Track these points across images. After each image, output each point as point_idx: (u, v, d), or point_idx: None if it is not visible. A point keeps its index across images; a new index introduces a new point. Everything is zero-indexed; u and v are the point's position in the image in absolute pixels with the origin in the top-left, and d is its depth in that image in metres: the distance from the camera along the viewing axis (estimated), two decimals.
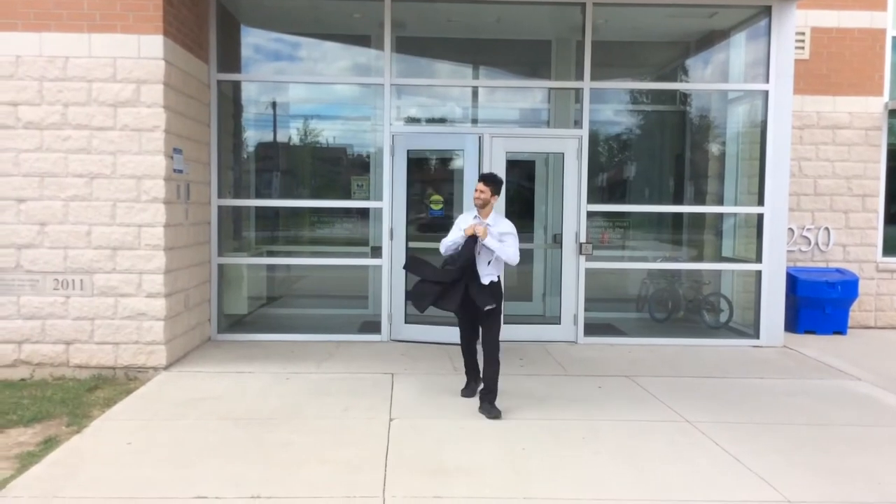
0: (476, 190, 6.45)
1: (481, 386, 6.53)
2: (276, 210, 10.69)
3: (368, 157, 10.70)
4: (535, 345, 9.02)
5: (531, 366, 8.06)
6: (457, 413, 6.35)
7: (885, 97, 10.73)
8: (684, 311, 10.69)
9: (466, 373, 6.96)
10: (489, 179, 6.45)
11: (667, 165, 11.70)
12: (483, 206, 6.43)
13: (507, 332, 8.13)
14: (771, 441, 5.82)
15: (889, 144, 10.86)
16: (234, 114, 10.02)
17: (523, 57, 10.93)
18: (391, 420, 6.13)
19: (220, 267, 9.18)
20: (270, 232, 10.99)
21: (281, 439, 5.61)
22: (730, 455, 5.50)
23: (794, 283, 10.13)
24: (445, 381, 7.37)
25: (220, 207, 9.10)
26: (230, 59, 9.49)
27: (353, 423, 6.05)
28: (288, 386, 7.14)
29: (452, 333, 9.11)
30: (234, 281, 9.67)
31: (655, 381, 7.49)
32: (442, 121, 10.93)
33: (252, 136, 10.83)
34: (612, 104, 11.07)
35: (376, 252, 9.43)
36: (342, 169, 11.24)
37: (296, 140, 11.16)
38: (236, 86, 9.95)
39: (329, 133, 11.30)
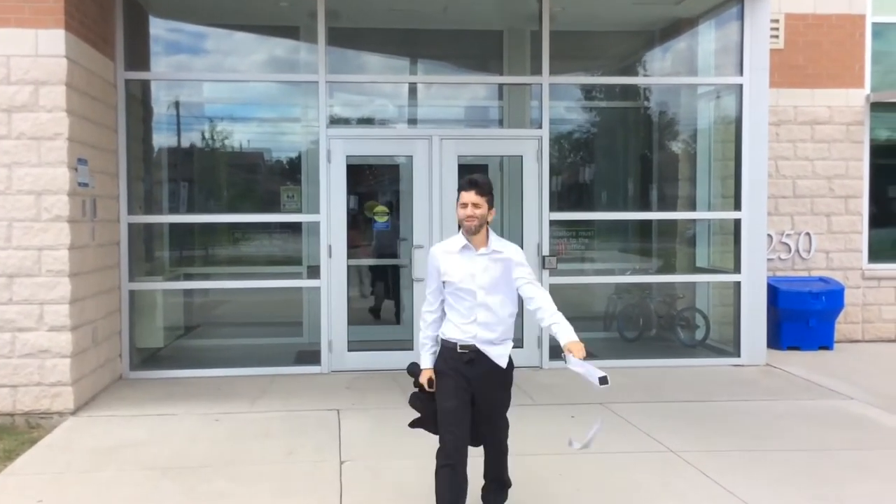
0: (462, 205, 4.54)
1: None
2: (194, 227, 10.55)
3: (300, 164, 10.65)
4: None
5: None
6: (415, 451, 6.34)
7: (867, 89, 11.15)
8: (657, 328, 10.90)
9: None
10: (482, 186, 4.55)
11: (634, 168, 11.94)
12: (478, 231, 4.56)
13: None
14: (765, 469, 5.97)
15: (872, 140, 11.27)
16: (144, 117, 9.88)
17: (473, 50, 11.07)
18: (342, 463, 6.10)
19: (132, 294, 9.02)
20: (189, 252, 10.84)
21: (218, 490, 5.53)
22: (721, 487, 5.62)
23: (774, 294, 10.40)
24: (399, 416, 7.24)
25: (130, 225, 8.95)
26: (139, 55, 9.37)
27: (299, 467, 6.00)
28: (219, 428, 7.04)
29: (401, 358, 9.06)
30: (147, 309, 9.51)
31: (633, 408, 7.61)
32: (385, 122, 10.97)
33: (166, 143, 10.70)
34: (574, 101, 11.27)
35: (313, 272, 9.39)
36: (270, 178, 11.19)
37: (216, 146, 11.06)
38: (147, 85, 9.81)
39: (254, 138, 11.24)
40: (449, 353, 4.63)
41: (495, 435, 4.83)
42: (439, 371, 4.66)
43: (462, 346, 4.57)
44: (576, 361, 4.29)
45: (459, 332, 4.58)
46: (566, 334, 4.40)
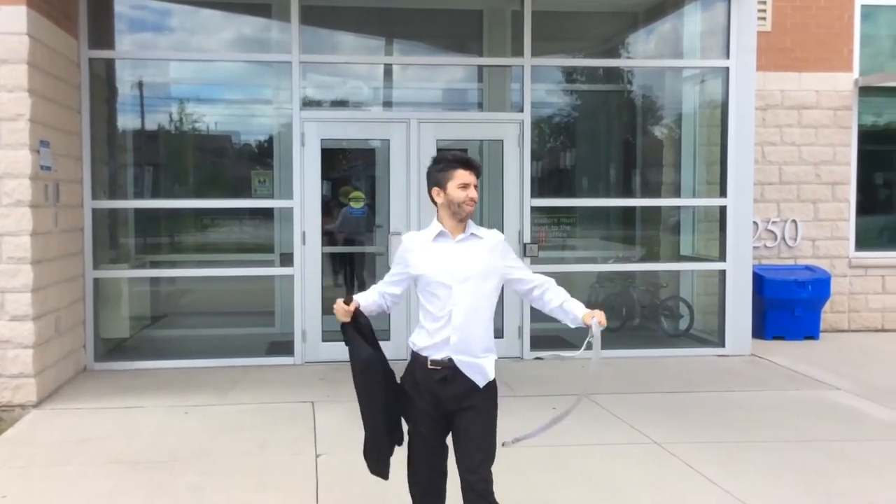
0: (461, 186, 4.02)
1: None
2: (161, 213, 10.50)
3: (272, 147, 10.62)
4: None
5: None
6: None
7: (855, 73, 11.25)
8: (640, 318, 10.98)
9: None
10: (478, 168, 4.13)
11: (617, 153, 12.01)
12: (471, 214, 4.13)
13: None
14: (750, 461, 6.07)
15: (860, 126, 11.39)
16: (109, 98, 9.82)
17: (452, 30, 11.04)
18: (318, 456, 6.13)
19: (96, 282, 8.99)
20: (155, 238, 10.80)
21: (190, 484, 5.55)
22: (706, 478, 5.71)
23: (760, 283, 10.50)
24: None
25: (94, 210, 8.91)
26: (104, 32, 9.29)
27: (273, 461, 6.02)
28: (189, 421, 7.05)
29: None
30: (112, 298, 9.48)
31: (616, 399, 7.68)
32: (361, 105, 10.95)
33: (132, 125, 10.63)
34: (557, 84, 11.29)
35: (286, 260, 9.40)
36: (240, 162, 11.14)
37: (185, 129, 11.00)
38: (111, 65, 9.74)
39: (224, 120, 11.19)
40: (418, 369, 4.08)
41: (482, 465, 4.03)
42: (407, 392, 4.11)
43: (434, 362, 4.02)
44: (597, 331, 4.06)
45: (430, 339, 4.02)
46: (581, 307, 4.15)
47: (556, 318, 4.23)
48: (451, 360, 3.99)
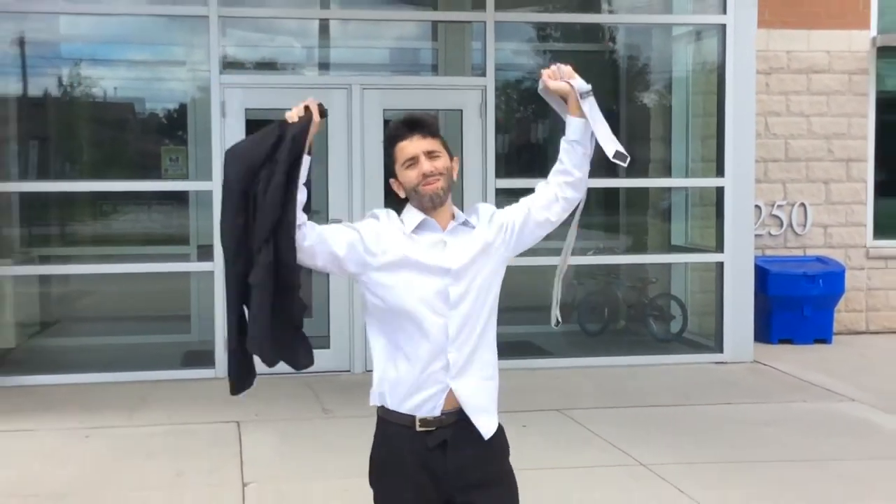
0: (408, 162, 3.22)
1: None
2: (53, 197, 10.45)
3: (186, 119, 10.62)
4: None
5: None
6: (334, 470, 6.46)
7: (873, 31, 11.40)
8: (625, 320, 11.13)
9: None
10: (427, 125, 3.30)
11: None
12: (445, 200, 3.26)
13: None
14: (749, 485, 6.23)
15: (879, 92, 11.52)
16: None
17: None
18: (245, 486, 6.18)
19: None
20: (45, 228, 10.74)
21: None
22: None
23: (763, 277, 10.63)
24: (313, 429, 7.47)
25: None
26: None
27: (192, 492, 6.07)
28: (89, 446, 7.06)
29: (317, 358, 9.22)
30: None
31: (596, 415, 7.83)
32: (293, 67, 10.96)
33: (14, 93, 10.54)
34: (525, 43, 11.37)
35: (204, 253, 9.40)
36: (148, 136, 11.12)
37: (80, 96, 10.96)
38: None
39: (127, 86, 11.16)
40: (398, 436, 3.24)
41: None
42: (382, 469, 3.29)
43: (424, 422, 3.21)
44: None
45: (413, 389, 3.21)
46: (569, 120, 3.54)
47: (573, 150, 3.62)
48: (450, 415, 3.23)
